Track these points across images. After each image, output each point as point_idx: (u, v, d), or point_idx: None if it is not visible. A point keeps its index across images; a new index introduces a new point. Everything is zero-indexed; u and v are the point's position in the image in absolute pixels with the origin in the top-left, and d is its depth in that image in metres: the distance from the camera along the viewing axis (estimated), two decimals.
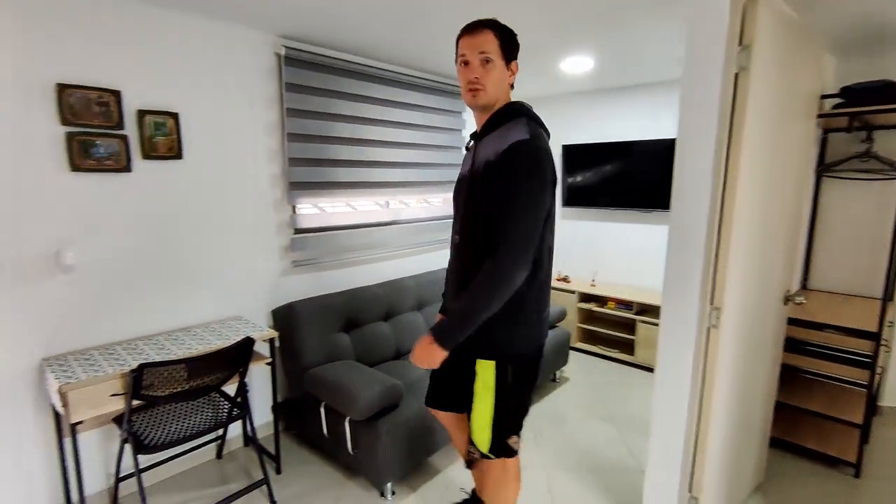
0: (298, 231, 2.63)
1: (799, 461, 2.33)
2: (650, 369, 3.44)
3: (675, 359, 1.63)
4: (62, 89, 1.78)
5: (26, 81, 1.71)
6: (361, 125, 2.80)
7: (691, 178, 1.52)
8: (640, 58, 2.85)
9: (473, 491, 1.85)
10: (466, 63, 1.32)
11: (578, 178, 4.03)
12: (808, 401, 2.35)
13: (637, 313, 3.55)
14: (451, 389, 1.59)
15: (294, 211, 2.63)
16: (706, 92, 1.46)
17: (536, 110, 1.41)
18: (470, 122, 3.53)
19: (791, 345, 2.33)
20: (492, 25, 1.31)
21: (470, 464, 1.64)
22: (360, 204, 3.02)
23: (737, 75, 1.43)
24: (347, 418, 2.06)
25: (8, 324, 1.74)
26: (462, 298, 1.29)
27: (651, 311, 3.53)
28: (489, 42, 1.30)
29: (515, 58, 1.38)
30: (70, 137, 1.82)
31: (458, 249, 1.45)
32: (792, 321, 2.19)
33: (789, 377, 2.46)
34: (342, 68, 2.64)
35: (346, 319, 2.56)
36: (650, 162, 3.57)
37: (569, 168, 4.07)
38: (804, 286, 2.87)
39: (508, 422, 1.44)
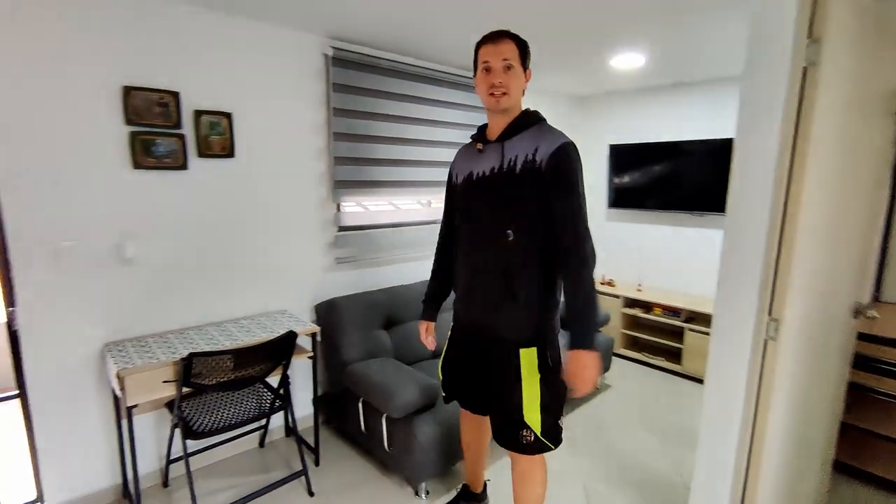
0: (342, 229, 2.68)
1: (866, 488, 2.15)
2: (698, 380, 3.28)
3: (727, 371, 1.54)
4: (128, 91, 1.89)
5: (98, 84, 1.83)
6: (405, 124, 2.82)
7: (751, 180, 1.43)
8: (694, 54, 2.71)
9: (464, 486, 1.96)
10: (489, 69, 1.42)
11: (626, 179, 3.89)
12: (879, 424, 2.16)
13: (685, 321, 3.39)
14: (473, 389, 1.68)
15: (338, 209, 2.68)
16: (770, 89, 1.36)
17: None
18: None
19: (861, 362, 2.15)
20: (511, 35, 1.43)
21: (526, 448, 1.56)
22: (403, 202, 3.04)
23: (805, 70, 1.33)
24: (384, 415, 2.08)
25: (75, 310, 1.87)
26: (577, 300, 1.39)
27: (700, 318, 3.36)
28: (510, 50, 1.40)
29: (529, 66, 1.48)
30: (133, 136, 1.93)
31: (502, 245, 1.45)
32: (862, 336, 2.02)
33: (858, 397, 2.27)
34: (387, 68, 2.67)
35: (386, 317, 2.58)
36: (703, 162, 3.40)
37: (615, 168, 3.94)
38: (876, 299, 2.64)
39: (555, 404, 1.53)
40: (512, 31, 1.45)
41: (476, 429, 1.85)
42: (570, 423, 2.75)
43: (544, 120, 1.49)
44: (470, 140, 1.62)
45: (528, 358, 1.48)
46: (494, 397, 1.58)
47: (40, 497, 1.94)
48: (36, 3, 1.67)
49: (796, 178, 1.37)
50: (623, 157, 3.88)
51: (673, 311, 3.46)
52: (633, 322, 3.82)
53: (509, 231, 1.43)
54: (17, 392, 1.85)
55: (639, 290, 3.79)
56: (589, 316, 1.39)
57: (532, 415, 1.50)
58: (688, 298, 3.57)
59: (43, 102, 1.73)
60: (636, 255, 3.99)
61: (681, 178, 3.55)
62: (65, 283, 1.84)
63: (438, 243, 1.82)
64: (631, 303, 3.75)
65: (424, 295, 1.86)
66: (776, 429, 1.54)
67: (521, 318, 1.47)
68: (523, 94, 1.49)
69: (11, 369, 1.81)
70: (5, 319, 1.80)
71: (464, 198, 1.58)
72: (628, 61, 2.88)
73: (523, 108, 1.51)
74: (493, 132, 1.50)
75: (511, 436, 1.55)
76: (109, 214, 1.91)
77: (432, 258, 1.87)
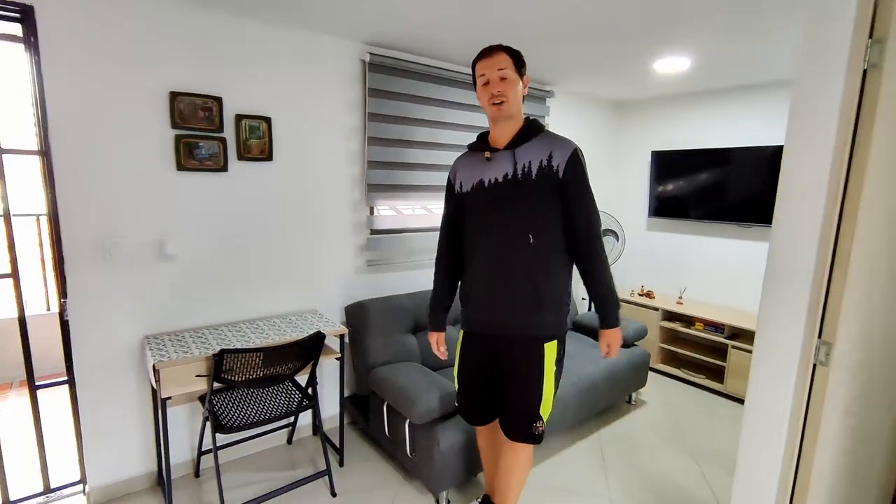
0: (374, 232, 2.70)
1: None
2: (742, 401, 3.09)
3: (769, 395, 1.43)
4: (174, 96, 1.98)
5: (149, 90, 1.93)
6: (439, 129, 2.82)
7: (800, 190, 1.33)
8: (744, 57, 2.57)
9: (485, 496, 1.95)
10: (487, 82, 1.52)
11: (669, 187, 3.74)
12: None
13: (729, 337, 3.21)
14: (488, 395, 1.74)
15: (371, 212, 2.71)
16: (825, 93, 1.26)
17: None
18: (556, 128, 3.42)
19: None
20: (503, 48, 1.52)
21: (536, 438, 1.69)
22: (436, 207, 3.04)
23: (865, 73, 1.22)
24: (407, 420, 2.07)
25: (119, 303, 1.97)
26: (603, 289, 1.57)
27: (746, 336, 3.17)
28: (504, 60, 1.50)
29: (525, 74, 1.56)
30: (178, 139, 2.02)
31: (524, 249, 1.52)
32: None
33: None
34: (422, 72, 2.68)
35: (414, 321, 2.58)
36: (752, 171, 3.22)
37: (658, 176, 3.79)
38: None
39: (556, 392, 1.66)
40: (508, 45, 1.55)
41: (493, 436, 1.84)
42: (601, 439, 2.65)
43: (545, 127, 1.60)
44: (467, 149, 1.69)
45: (551, 351, 1.59)
46: (512, 395, 1.64)
47: (83, 479, 2.05)
48: (103, 14, 1.78)
49: (853, 189, 1.26)
50: (666, 164, 3.73)
51: (716, 327, 3.29)
52: (672, 336, 3.65)
53: (530, 235, 1.50)
54: (66, 378, 1.96)
55: (679, 303, 3.62)
56: (612, 301, 1.58)
57: (546, 407, 1.63)
58: (732, 314, 3.38)
59: (99, 106, 1.83)
60: (677, 266, 3.83)
61: (728, 188, 3.37)
62: (111, 277, 1.94)
63: (439, 252, 1.82)
64: (670, 316, 3.59)
65: (430, 306, 1.86)
66: (825, 461, 1.42)
67: (545, 316, 1.56)
68: (524, 100, 1.58)
69: (57, 358, 1.93)
70: (58, 310, 1.91)
71: (476, 205, 1.61)
72: (673, 65, 2.76)
73: (525, 116, 1.59)
74: (501, 140, 1.57)
75: (524, 429, 1.63)
76: (154, 213, 2.01)
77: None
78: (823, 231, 1.29)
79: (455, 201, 1.72)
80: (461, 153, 1.73)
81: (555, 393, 1.65)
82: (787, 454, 1.42)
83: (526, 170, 1.50)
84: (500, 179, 1.53)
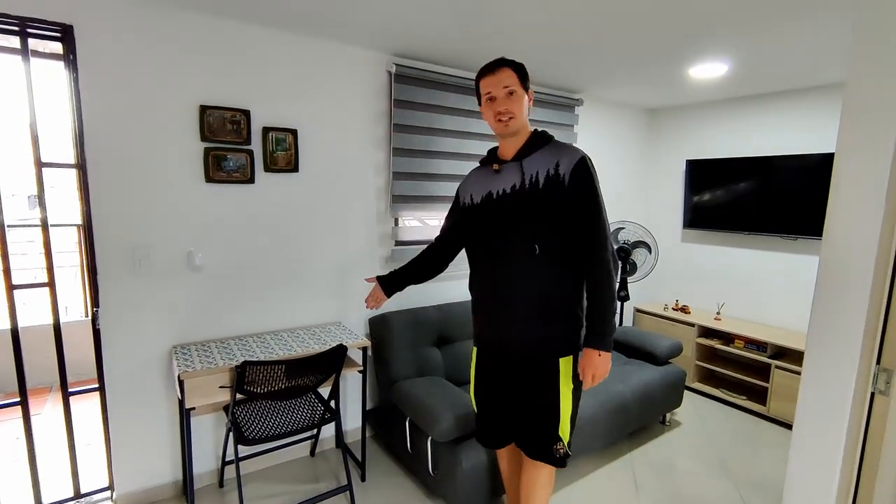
0: (399, 243, 2.68)
1: None
2: (788, 425, 2.90)
3: (820, 424, 1.31)
4: (204, 110, 2.02)
5: (180, 103, 1.98)
6: (464, 139, 2.79)
7: (854, 201, 1.22)
8: (784, 60, 2.44)
9: None
10: (492, 98, 1.49)
11: (705, 198, 3.58)
12: None
13: (772, 356, 3.02)
14: (504, 416, 1.67)
15: (396, 223, 2.69)
16: (881, 94, 1.16)
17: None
18: (585, 137, 3.34)
19: None
20: (507, 63, 1.49)
21: (558, 461, 1.62)
22: None
23: None
24: (429, 438, 2.02)
25: (149, 313, 2.01)
26: (599, 304, 1.45)
27: (791, 355, 2.98)
28: (509, 77, 1.47)
29: (529, 87, 1.53)
30: (207, 152, 2.05)
31: (532, 260, 1.48)
32: None
33: None
34: (447, 83, 2.66)
35: (438, 334, 2.53)
36: (798, 180, 3.04)
37: (693, 186, 3.64)
38: None
39: (576, 413, 1.60)
40: (507, 58, 1.52)
41: (514, 458, 1.78)
42: (633, 462, 2.52)
43: (553, 138, 1.55)
44: (479, 164, 1.67)
45: (566, 367, 1.52)
46: (527, 415, 1.59)
47: (111, 485, 2.08)
48: (137, 31, 1.84)
49: None
50: (702, 173, 3.58)
51: (758, 345, 3.10)
52: (709, 353, 3.47)
53: (536, 245, 1.47)
54: (97, 386, 2.00)
55: (717, 319, 3.44)
56: (606, 319, 1.45)
57: (565, 428, 1.56)
58: (776, 331, 3.18)
59: (132, 121, 1.89)
60: (715, 280, 3.65)
61: (769, 198, 3.20)
62: (141, 287, 1.98)
63: (427, 249, 1.85)
64: (707, 332, 3.42)
65: (396, 269, 1.88)
66: (886, 501, 1.28)
67: (556, 329, 1.51)
68: (529, 113, 1.55)
69: (94, 364, 1.97)
70: (91, 318, 1.96)
71: (484, 217, 1.59)
72: (709, 70, 2.65)
73: (531, 129, 1.56)
74: (509, 153, 1.56)
75: (546, 451, 1.58)
76: (182, 225, 2.04)
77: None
78: (882, 244, 1.18)
79: (457, 216, 1.73)
80: (474, 168, 1.72)
81: (574, 412, 1.58)
82: (840, 490, 1.29)
83: (533, 179, 1.47)
84: (509, 190, 1.52)
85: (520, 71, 1.50)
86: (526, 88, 1.51)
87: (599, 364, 1.45)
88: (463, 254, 1.75)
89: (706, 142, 3.61)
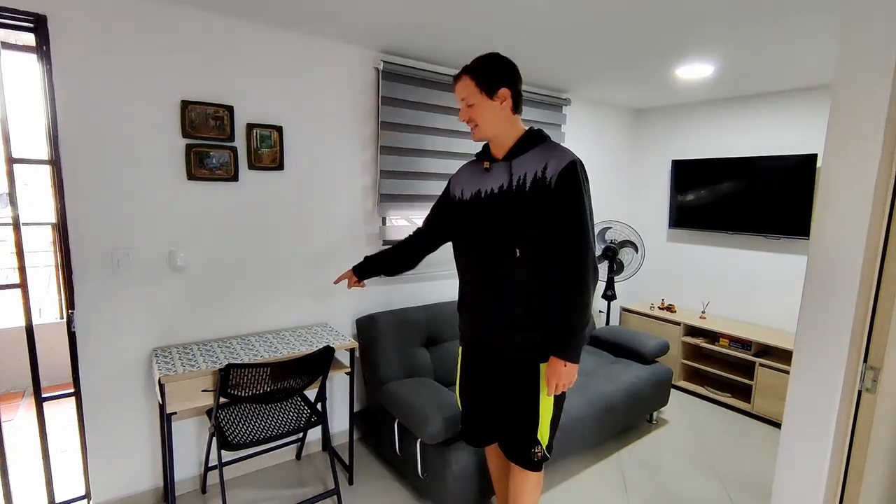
0: (387, 243, 2.65)
1: None
2: (772, 422, 2.94)
3: (809, 421, 1.32)
4: (185, 105, 1.96)
5: (160, 98, 1.91)
6: (453, 137, 2.77)
7: (843, 202, 1.23)
8: (769, 62, 2.47)
9: None
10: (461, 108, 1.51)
11: (690, 198, 3.62)
12: None
13: (756, 354, 3.06)
14: (487, 415, 1.66)
15: (384, 223, 2.66)
16: (869, 97, 1.17)
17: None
18: (571, 136, 3.35)
19: None
20: (467, 70, 1.47)
21: (535, 464, 1.62)
22: None
23: None
24: (419, 440, 1.99)
25: (128, 314, 1.94)
26: (569, 314, 1.42)
27: (775, 353, 3.02)
28: (465, 87, 1.46)
29: (501, 85, 1.45)
30: (189, 149, 1.99)
31: (512, 262, 1.45)
32: None
33: None
34: (436, 81, 2.63)
35: (426, 335, 2.51)
36: (779, 181, 3.08)
37: (679, 186, 3.68)
38: None
39: (557, 418, 1.58)
40: (472, 62, 1.48)
41: (502, 456, 1.76)
42: (621, 461, 2.53)
43: (549, 138, 1.52)
44: (475, 157, 1.64)
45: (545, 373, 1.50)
46: (507, 416, 1.58)
47: (88, 494, 2.01)
48: (114, 23, 1.77)
49: None
50: (688, 173, 3.61)
51: (742, 343, 3.14)
52: (695, 352, 3.51)
53: (517, 248, 1.44)
54: (73, 391, 1.93)
55: (702, 318, 3.48)
56: (574, 330, 1.42)
57: (543, 431, 1.55)
58: (759, 330, 3.23)
59: (109, 115, 1.82)
60: (700, 279, 3.69)
61: (753, 198, 3.24)
62: (120, 288, 1.91)
63: (411, 237, 1.85)
64: (693, 331, 3.45)
65: (372, 255, 1.89)
66: (873, 495, 1.30)
67: (537, 334, 1.47)
68: (515, 110, 1.49)
69: (69, 368, 1.90)
70: (66, 320, 1.89)
71: (471, 215, 1.57)
72: (696, 71, 2.67)
73: (525, 128, 1.53)
74: (499, 152, 1.53)
75: (523, 453, 1.56)
76: (163, 224, 1.98)
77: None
78: (869, 245, 1.19)
79: (446, 207, 1.71)
80: (468, 161, 1.70)
81: (556, 416, 1.56)
82: (828, 486, 1.30)
83: (521, 181, 1.44)
84: (496, 190, 1.50)
85: (482, 76, 1.44)
86: (491, 91, 1.44)
87: (564, 374, 1.43)
88: (449, 255, 1.73)
89: (692, 142, 3.65)
